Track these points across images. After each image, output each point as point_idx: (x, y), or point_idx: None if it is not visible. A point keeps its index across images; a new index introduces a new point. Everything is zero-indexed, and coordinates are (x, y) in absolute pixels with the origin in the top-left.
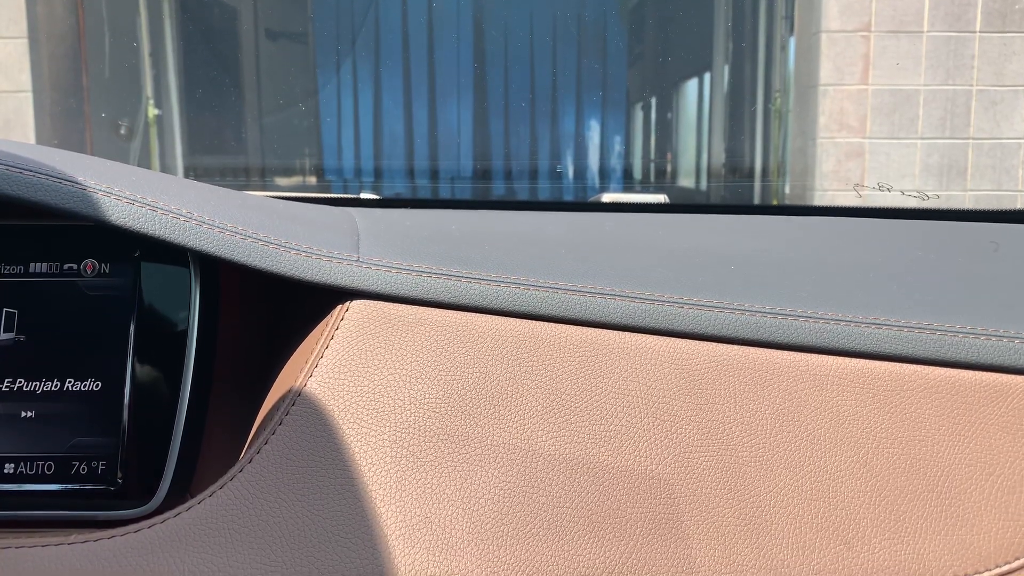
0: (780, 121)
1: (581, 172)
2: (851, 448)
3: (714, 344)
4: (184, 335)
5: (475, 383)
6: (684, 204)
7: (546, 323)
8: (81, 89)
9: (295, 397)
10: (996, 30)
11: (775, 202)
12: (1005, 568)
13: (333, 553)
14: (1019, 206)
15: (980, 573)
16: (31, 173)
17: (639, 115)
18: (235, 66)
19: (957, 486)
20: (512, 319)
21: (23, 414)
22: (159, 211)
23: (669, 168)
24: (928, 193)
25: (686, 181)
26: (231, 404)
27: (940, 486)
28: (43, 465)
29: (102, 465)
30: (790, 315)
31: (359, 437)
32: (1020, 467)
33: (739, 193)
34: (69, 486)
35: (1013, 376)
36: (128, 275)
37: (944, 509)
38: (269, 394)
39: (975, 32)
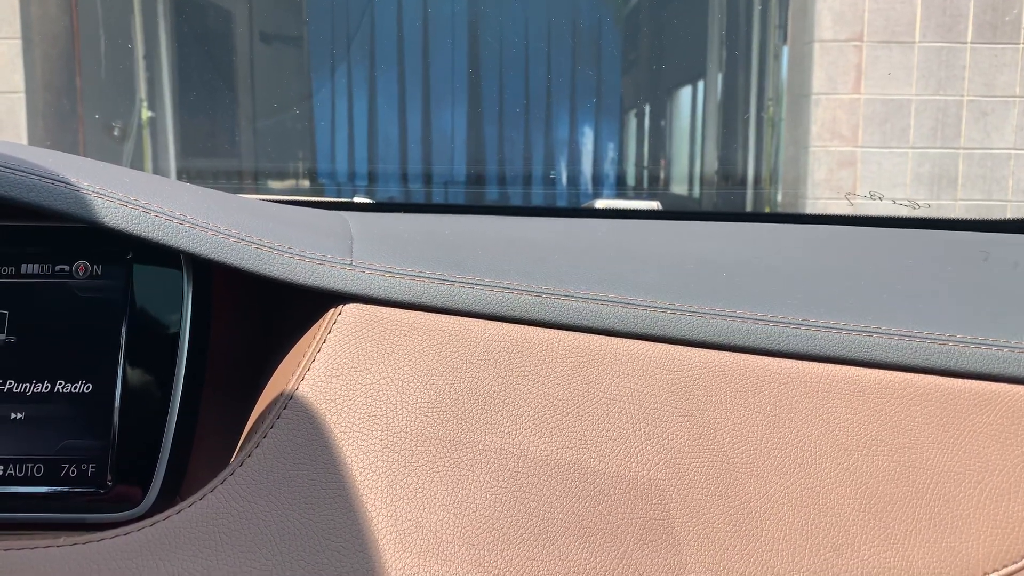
0: (773, 129)
1: (575, 178)
2: (841, 455)
3: (706, 350)
4: (176, 338)
5: (467, 388)
6: (677, 211)
7: (538, 328)
8: (74, 90)
9: (287, 400)
10: (987, 41)
11: (767, 210)
12: (993, 575)
13: (324, 558)
14: (1009, 216)
15: None
16: (24, 174)
17: (633, 122)
18: (229, 69)
19: (946, 493)
20: (505, 324)
21: (13, 416)
22: (152, 213)
23: (662, 175)
24: (919, 202)
25: (679, 188)
26: (223, 407)
27: (929, 493)
28: (32, 467)
29: (92, 468)
30: (781, 322)
31: (351, 441)
32: (1008, 474)
33: (732, 201)
34: (58, 488)
35: (1002, 384)
36: (120, 277)
37: (933, 516)
38: (261, 397)
39: (966, 43)
